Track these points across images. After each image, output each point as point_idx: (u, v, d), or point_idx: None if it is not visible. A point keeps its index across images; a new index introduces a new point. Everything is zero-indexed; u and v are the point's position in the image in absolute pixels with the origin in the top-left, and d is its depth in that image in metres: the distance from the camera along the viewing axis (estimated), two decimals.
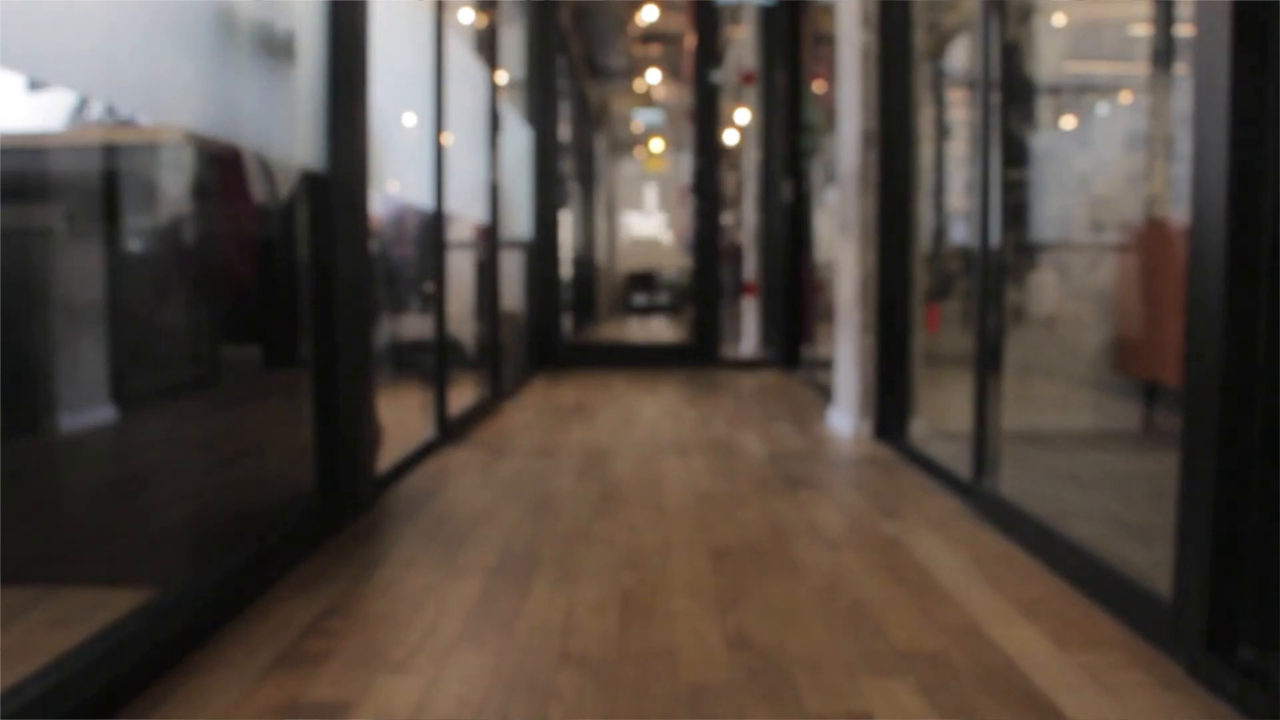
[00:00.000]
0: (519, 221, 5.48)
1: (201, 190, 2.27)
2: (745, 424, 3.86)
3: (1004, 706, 1.38)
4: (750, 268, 6.92)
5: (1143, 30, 3.46)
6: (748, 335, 6.88)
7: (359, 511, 2.37)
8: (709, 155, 6.07)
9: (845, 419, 3.59)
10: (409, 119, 3.12)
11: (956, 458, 2.65)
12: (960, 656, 1.55)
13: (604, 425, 3.82)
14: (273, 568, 1.91)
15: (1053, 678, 1.47)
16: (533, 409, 4.31)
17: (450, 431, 3.44)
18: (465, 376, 4.20)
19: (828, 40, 4.98)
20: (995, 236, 2.45)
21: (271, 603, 1.77)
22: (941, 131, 3.83)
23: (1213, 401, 1.42)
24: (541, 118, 6.00)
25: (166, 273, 2.19)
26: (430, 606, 1.77)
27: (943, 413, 3.31)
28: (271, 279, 2.40)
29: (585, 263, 10.34)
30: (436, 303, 3.45)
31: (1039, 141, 3.54)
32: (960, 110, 3.78)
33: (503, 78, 4.84)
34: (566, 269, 7.53)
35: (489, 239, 4.50)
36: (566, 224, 7.66)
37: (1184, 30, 2.92)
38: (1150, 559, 1.70)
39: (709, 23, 6.12)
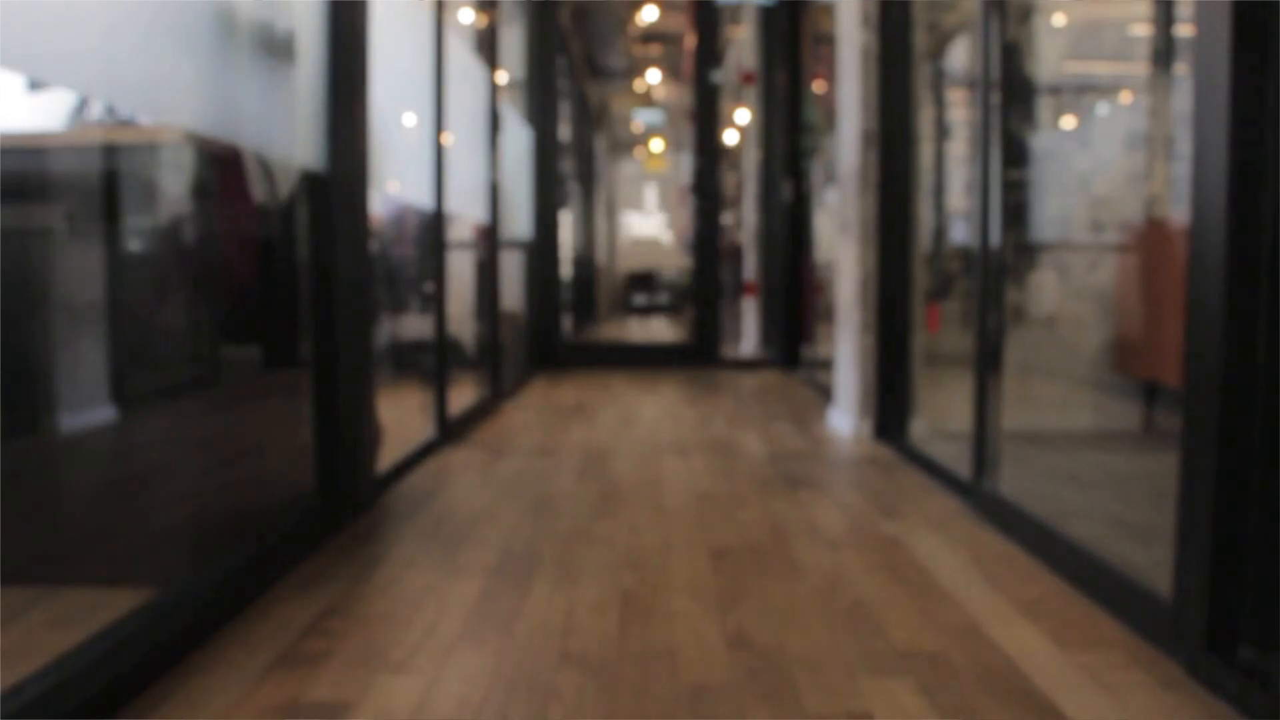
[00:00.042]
0: (519, 221, 5.48)
1: (201, 190, 2.27)
2: (745, 424, 3.86)
3: (1004, 706, 1.38)
4: (750, 268, 6.92)
5: (1143, 30, 3.46)
6: (748, 335, 6.88)
7: (359, 511, 2.37)
8: (709, 155, 6.07)
9: (845, 419, 3.59)
10: (409, 119, 3.12)
11: (956, 458, 2.65)
12: (960, 656, 1.55)
13: (604, 425, 3.82)
14: (273, 568, 1.91)
15: (1053, 678, 1.47)
16: (533, 409, 4.31)
17: (450, 431, 3.44)
18: (465, 376, 4.20)
19: (828, 40, 4.98)
20: (995, 236, 2.45)
21: (271, 603, 1.77)
22: (941, 131, 3.83)
23: (1213, 401, 1.42)
24: (541, 118, 6.00)
25: (166, 273, 2.19)
26: (430, 606, 1.77)
27: (943, 413, 3.31)
28: (271, 279, 2.40)
29: (585, 263, 10.34)
30: (436, 303, 3.45)
31: (1039, 141, 3.54)
32: (960, 110, 3.78)
33: (503, 78, 4.84)
34: (566, 269, 7.54)
35: (489, 239, 4.51)
36: (566, 224, 7.66)
37: (1184, 30, 2.92)
38: (1150, 559, 1.70)
39: (709, 23, 6.12)
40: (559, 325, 6.28)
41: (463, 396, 3.87)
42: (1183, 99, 2.88)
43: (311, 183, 2.21)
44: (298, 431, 2.26)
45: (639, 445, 3.39)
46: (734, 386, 5.15)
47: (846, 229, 3.58)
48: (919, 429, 3.29)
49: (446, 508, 2.50)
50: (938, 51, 3.64)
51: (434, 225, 3.42)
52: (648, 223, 15.56)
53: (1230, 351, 1.40)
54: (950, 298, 3.64)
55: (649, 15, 8.50)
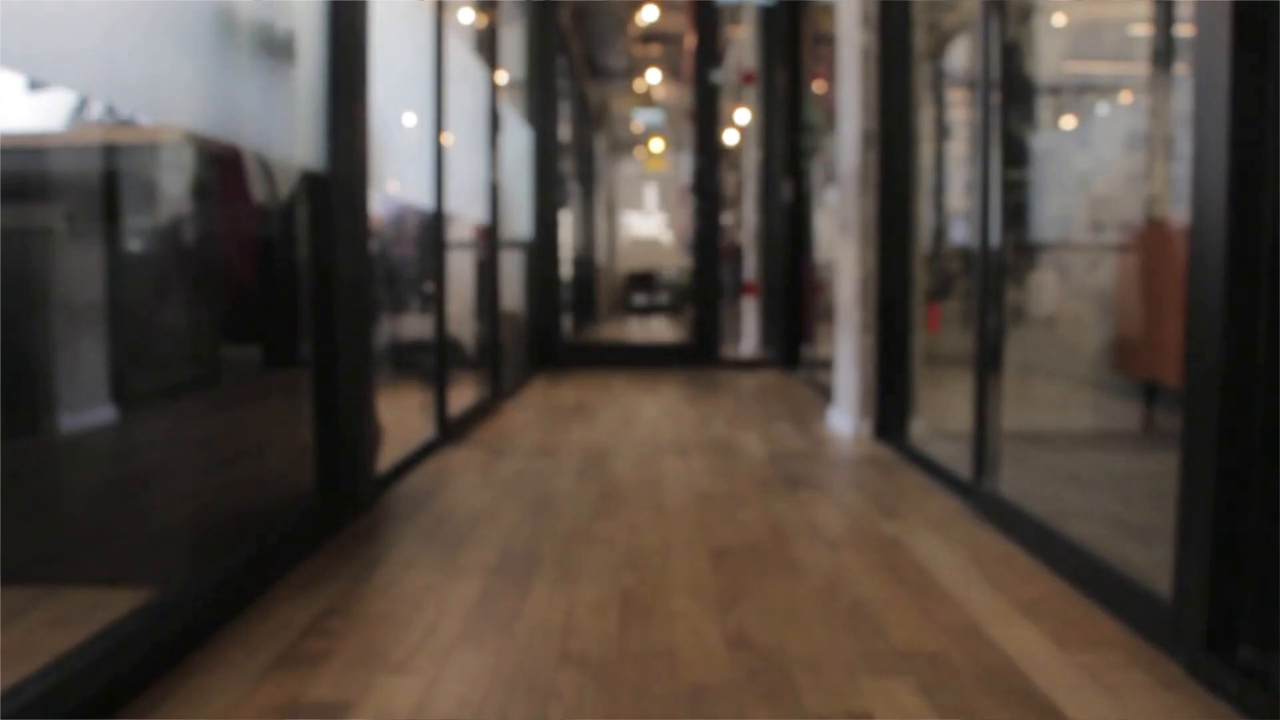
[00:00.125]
0: (519, 221, 5.48)
1: (201, 190, 2.27)
2: (745, 424, 3.86)
3: (1004, 706, 1.38)
4: (750, 268, 6.92)
5: (1143, 30, 3.46)
6: (748, 335, 6.88)
7: (359, 511, 2.37)
8: (709, 155, 6.07)
9: (845, 419, 3.59)
10: (409, 119, 3.12)
11: (956, 458, 2.65)
12: (960, 656, 1.55)
13: (604, 425, 3.83)
14: (273, 568, 1.91)
15: (1053, 678, 1.47)
16: (533, 409, 4.31)
17: (450, 431, 3.44)
18: (465, 376, 4.20)
19: (828, 40, 4.98)
20: (995, 236, 2.45)
21: (271, 603, 1.77)
22: (941, 131, 3.83)
23: (1213, 401, 1.42)
24: (541, 118, 6.00)
25: (166, 273, 2.19)
26: (430, 606, 1.77)
27: (943, 413, 3.31)
28: (271, 279, 2.40)
29: (585, 263, 10.34)
30: (436, 303, 3.45)
31: (1039, 141, 3.54)
32: (960, 110, 3.78)
33: (503, 78, 4.84)
34: (566, 269, 7.54)
35: (489, 239, 4.51)
36: (566, 224, 7.66)
37: (1184, 30, 2.92)
38: (1150, 559, 1.70)
39: (709, 23, 6.12)
40: (559, 325, 6.28)
41: (463, 396, 3.87)
42: (1183, 99, 2.88)
43: (311, 183, 2.21)
44: (298, 431, 2.26)
45: (639, 445, 3.39)
46: (734, 386, 5.15)
47: (846, 229, 3.58)
48: (919, 429, 3.29)
49: (446, 508, 2.50)
50: (938, 51, 3.64)
51: (434, 225, 3.42)
52: (648, 223, 15.56)
53: (1230, 351, 1.40)
54: (950, 298, 3.64)
55: (649, 15, 8.50)
